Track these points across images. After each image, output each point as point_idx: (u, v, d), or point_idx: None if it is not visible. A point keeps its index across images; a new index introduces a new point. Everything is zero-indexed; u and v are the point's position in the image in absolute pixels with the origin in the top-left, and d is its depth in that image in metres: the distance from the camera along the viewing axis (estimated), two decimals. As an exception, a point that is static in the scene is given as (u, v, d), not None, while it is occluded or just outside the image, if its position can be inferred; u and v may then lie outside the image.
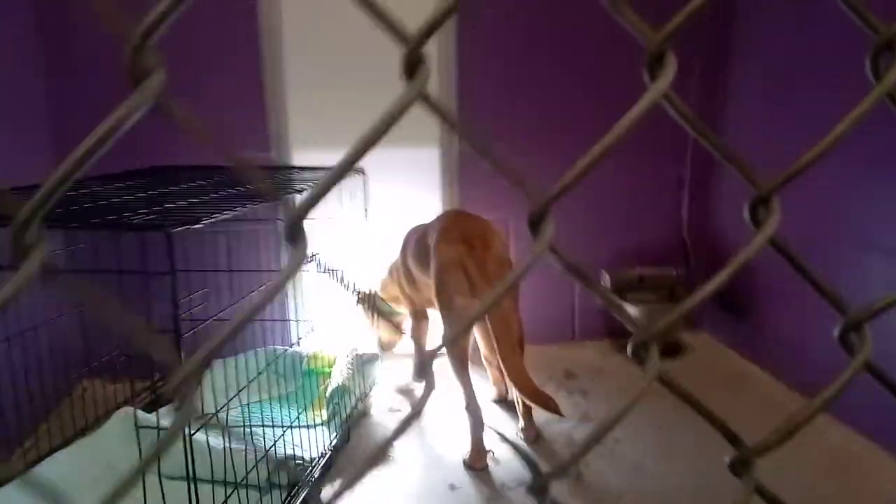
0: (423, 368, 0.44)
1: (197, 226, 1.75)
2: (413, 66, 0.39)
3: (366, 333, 3.44)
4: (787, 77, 3.15)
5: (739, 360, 3.57)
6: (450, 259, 2.63)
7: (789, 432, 0.47)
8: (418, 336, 3.30)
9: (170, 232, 1.68)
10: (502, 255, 2.71)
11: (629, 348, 0.48)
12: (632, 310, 3.52)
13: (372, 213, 3.34)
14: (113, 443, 2.34)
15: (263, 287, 0.37)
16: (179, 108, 0.37)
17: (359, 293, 3.23)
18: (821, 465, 2.57)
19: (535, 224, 0.43)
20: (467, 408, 2.66)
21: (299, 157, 3.52)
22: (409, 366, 3.44)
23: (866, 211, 2.65)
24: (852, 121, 0.43)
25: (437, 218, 2.96)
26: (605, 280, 3.76)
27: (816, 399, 0.47)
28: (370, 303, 3.30)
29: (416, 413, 0.44)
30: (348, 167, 0.39)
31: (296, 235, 0.39)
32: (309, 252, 0.39)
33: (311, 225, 2.24)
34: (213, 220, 1.82)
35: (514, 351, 2.61)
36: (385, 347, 3.51)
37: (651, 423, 2.89)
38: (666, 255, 3.87)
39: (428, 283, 2.84)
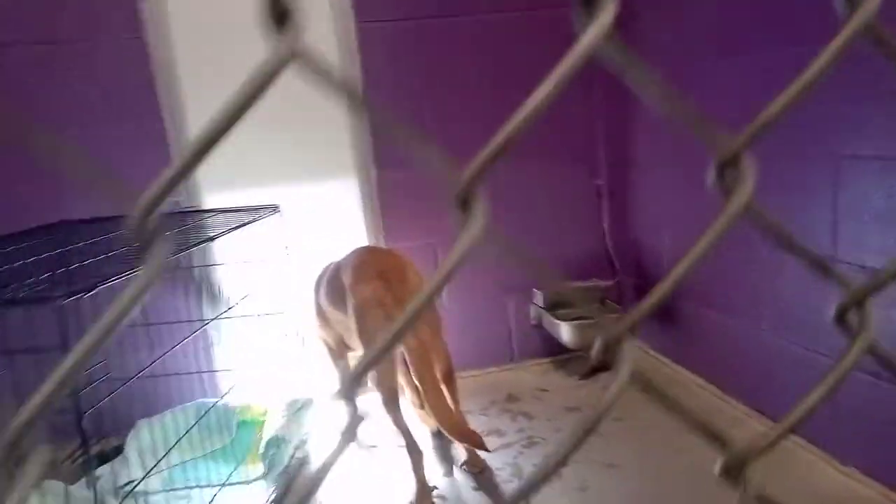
0: (349, 387, 0.35)
1: (91, 293, 1.58)
2: (282, 14, 0.30)
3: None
4: (684, 68, 3.15)
5: (670, 366, 3.56)
6: (367, 298, 2.54)
7: (785, 430, 0.39)
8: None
9: (59, 304, 1.50)
10: (417, 287, 2.60)
11: (600, 348, 0.39)
12: (564, 327, 3.48)
13: (293, 250, 3.21)
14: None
15: (109, 313, 0.27)
16: None
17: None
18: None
19: (465, 205, 0.34)
20: (406, 447, 2.55)
21: (210, 200, 3.37)
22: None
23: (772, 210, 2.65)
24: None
25: (348, 255, 2.86)
26: (538, 298, 3.72)
27: (814, 393, 0.40)
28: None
29: (334, 457, 0.35)
30: (201, 153, 0.30)
31: (149, 236, 0.29)
32: (164, 263, 0.30)
33: (227, 270, 2.12)
34: (111, 282, 1.65)
35: (436, 389, 2.50)
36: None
37: (594, 442, 2.83)
38: (593, 268, 3.85)
39: (343, 322, 2.75)
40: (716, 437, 0.40)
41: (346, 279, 2.67)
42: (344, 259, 2.87)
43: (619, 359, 0.38)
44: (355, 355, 3.09)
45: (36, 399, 0.29)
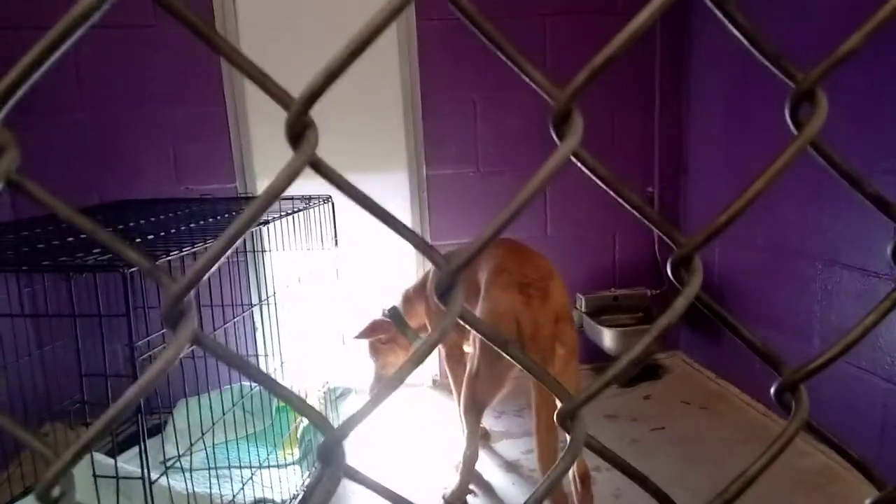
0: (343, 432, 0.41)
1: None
2: (298, 133, 0.36)
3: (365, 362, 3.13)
4: (745, 81, 3.17)
5: (716, 381, 3.57)
6: (503, 309, 2.28)
7: (725, 503, 0.44)
8: (455, 383, 2.88)
9: (125, 272, 1.63)
10: (560, 306, 2.35)
11: (556, 418, 0.45)
12: (607, 333, 3.50)
13: (342, 240, 3.30)
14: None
15: (141, 379, 0.35)
16: (33, 188, 0.34)
17: (386, 310, 3.00)
18: (799, 484, 2.55)
19: (443, 294, 0.40)
20: (464, 451, 2.56)
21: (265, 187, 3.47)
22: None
23: (830, 225, 2.66)
24: (771, 176, 0.41)
25: (491, 249, 2.55)
26: (581, 303, 3.75)
27: (751, 467, 0.45)
28: (396, 322, 2.98)
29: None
30: (231, 243, 0.36)
31: (177, 317, 0.36)
32: (191, 336, 0.36)
33: (276, 256, 2.20)
34: (171, 257, 1.78)
35: (548, 430, 2.26)
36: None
37: (630, 448, 2.87)
38: (642, 276, 3.87)
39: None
40: (660, 497, 0.45)
41: (484, 278, 2.44)
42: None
43: (574, 428, 0.43)
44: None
45: (89, 433, 0.36)
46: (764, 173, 0.41)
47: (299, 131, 0.37)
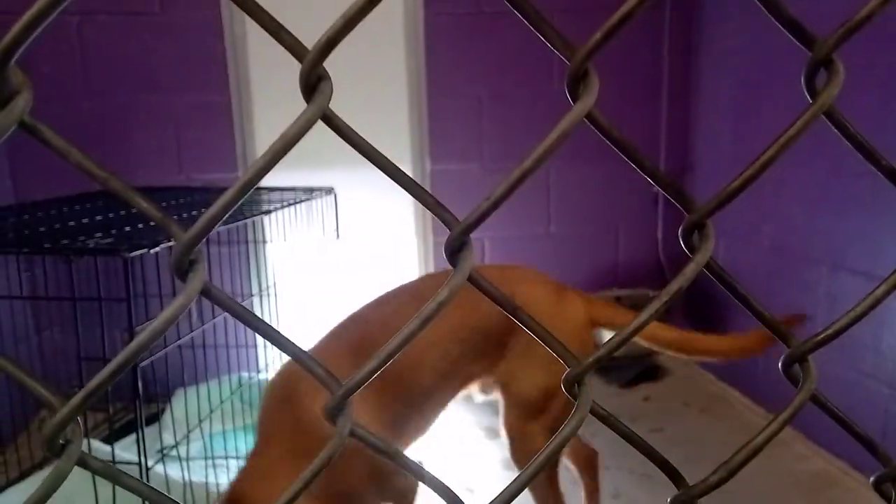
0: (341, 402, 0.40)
1: (155, 249, 1.70)
2: (312, 84, 0.36)
3: None
4: (755, 77, 3.16)
5: (716, 383, 3.56)
6: (579, 316, 1.96)
7: (730, 472, 0.44)
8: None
9: (126, 256, 1.63)
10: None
11: (562, 384, 0.45)
12: (607, 333, 3.49)
13: (343, 233, 3.30)
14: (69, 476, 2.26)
15: (150, 327, 0.34)
16: (46, 131, 0.33)
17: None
18: (799, 488, 2.55)
19: (454, 254, 0.40)
20: None
21: (267, 178, 3.47)
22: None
23: (835, 229, 2.65)
24: (783, 144, 0.40)
25: (502, 275, 2.11)
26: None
27: (758, 437, 0.45)
28: None
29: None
30: (244, 192, 0.36)
31: (186, 268, 0.36)
32: (201, 286, 0.36)
33: (278, 248, 2.18)
34: (172, 243, 1.78)
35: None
36: None
37: (628, 448, 2.85)
38: (644, 276, 3.86)
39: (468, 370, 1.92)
40: (673, 475, 0.45)
41: (534, 304, 1.93)
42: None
43: (581, 393, 0.43)
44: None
45: (81, 394, 0.35)
46: (777, 140, 0.41)
47: (313, 83, 0.36)
